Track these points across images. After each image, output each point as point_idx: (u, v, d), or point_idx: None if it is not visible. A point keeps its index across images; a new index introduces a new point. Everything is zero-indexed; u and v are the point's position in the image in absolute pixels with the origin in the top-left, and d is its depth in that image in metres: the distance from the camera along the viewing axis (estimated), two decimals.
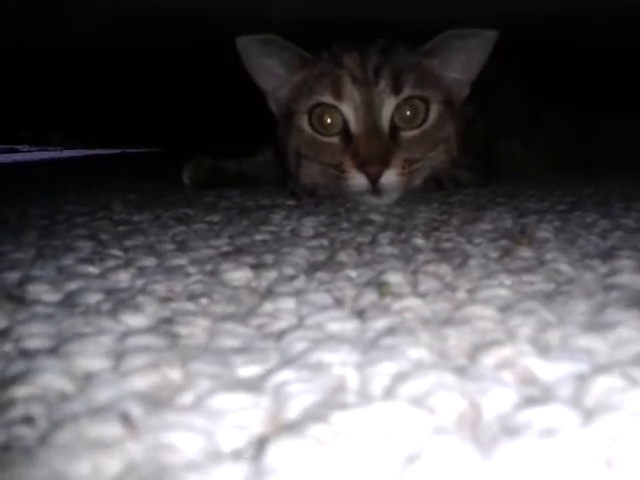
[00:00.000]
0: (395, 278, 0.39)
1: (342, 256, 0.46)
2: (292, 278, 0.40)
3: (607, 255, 0.45)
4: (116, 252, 0.48)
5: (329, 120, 0.76)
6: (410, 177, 0.76)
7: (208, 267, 0.43)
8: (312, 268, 0.43)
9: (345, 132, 0.76)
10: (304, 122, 0.78)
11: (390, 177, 0.73)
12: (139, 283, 0.39)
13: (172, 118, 2.01)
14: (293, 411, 0.22)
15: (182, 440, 0.20)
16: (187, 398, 0.24)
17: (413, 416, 0.21)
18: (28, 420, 0.22)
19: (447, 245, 0.50)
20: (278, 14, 1.00)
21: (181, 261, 0.45)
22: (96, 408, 0.23)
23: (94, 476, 0.19)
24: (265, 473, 0.19)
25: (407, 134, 0.77)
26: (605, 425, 0.21)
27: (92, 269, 0.43)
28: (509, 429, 0.21)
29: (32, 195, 0.91)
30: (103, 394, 0.24)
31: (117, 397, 0.23)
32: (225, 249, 0.50)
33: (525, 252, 0.46)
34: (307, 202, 0.77)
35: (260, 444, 0.20)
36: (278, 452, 0.19)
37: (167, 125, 2.11)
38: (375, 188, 0.73)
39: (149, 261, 0.45)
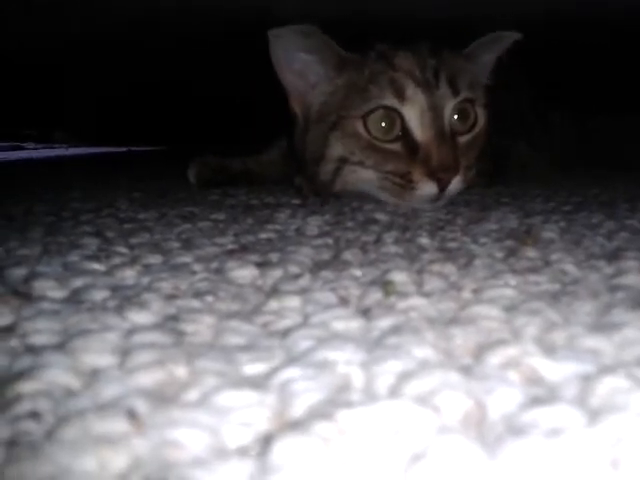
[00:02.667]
0: (400, 277, 0.39)
1: (347, 255, 0.46)
2: (297, 277, 0.41)
3: (613, 256, 0.45)
4: (122, 249, 0.49)
5: (384, 124, 0.72)
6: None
7: (213, 265, 0.43)
8: (317, 267, 0.43)
9: (406, 138, 0.71)
10: (359, 127, 0.72)
11: (456, 183, 0.71)
12: (145, 280, 0.39)
13: (175, 117, 2.01)
14: (298, 409, 0.23)
15: (187, 437, 0.21)
16: (192, 395, 0.24)
17: (418, 415, 0.21)
18: (34, 415, 0.22)
19: (452, 245, 0.50)
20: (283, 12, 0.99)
21: (186, 259, 0.45)
22: (102, 404, 0.23)
23: (100, 471, 0.19)
24: (270, 470, 0.19)
25: (462, 139, 0.74)
26: (610, 425, 0.21)
27: (98, 266, 0.43)
28: (514, 429, 0.21)
29: (38, 192, 0.91)
30: (109, 390, 0.24)
31: (123, 393, 0.23)
32: (230, 247, 0.50)
33: (530, 252, 0.46)
34: (312, 201, 0.77)
35: (266, 441, 0.20)
36: (283, 449, 0.19)
37: (170, 123, 2.11)
38: (439, 195, 0.71)
39: (155, 259, 0.45)
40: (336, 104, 0.76)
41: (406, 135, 0.71)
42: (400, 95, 0.71)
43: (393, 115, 0.72)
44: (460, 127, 0.74)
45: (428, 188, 0.70)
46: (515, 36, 0.78)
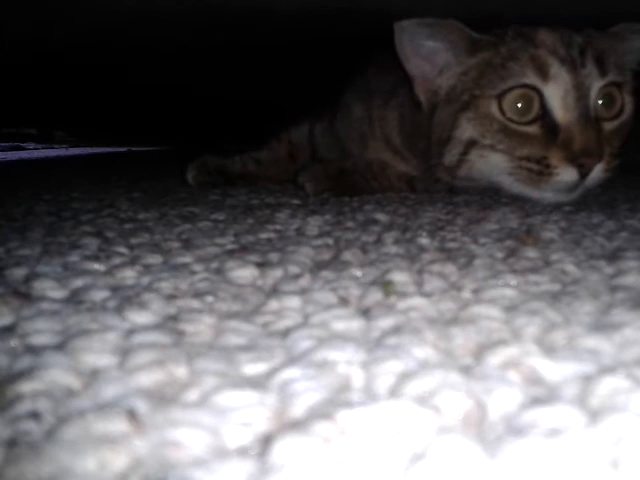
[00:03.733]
0: (400, 277, 0.39)
1: (347, 255, 0.46)
2: (297, 277, 0.41)
3: (613, 256, 0.45)
4: (122, 249, 0.49)
5: (520, 105, 0.67)
6: None
7: (213, 265, 0.43)
8: (317, 267, 0.43)
9: (545, 119, 0.67)
10: (493, 108, 0.68)
11: (598, 172, 0.66)
12: (145, 280, 0.39)
13: (175, 117, 2.02)
14: (298, 409, 0.22)
15: (188, 437, 0.21)
16: (193, 395, 0.24)
17: (418, 415, 0.21)
18: (34, 415, 0.22)
19: (452, 245, 0.50)
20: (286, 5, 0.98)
21: (186, 259, 0.45)
22: (102, 404, 0.23)
23: (100, 472, 0.19)
24: (270, 470, 0.19)
25: (608, 125, 0.69)
26: (610, 425, 0.21)
27: (98, 266, 0.43)
28: (514, 429, 0.21)
29: (38, 192, 0.91)
30: (109, 390, 0.24)
31: (123, 393, 0.23)
32: (230, 247, 0.50)
33: (531, 252, 0.46)
34: (313, 201, 0.77)
35: (266, 441, 0.20)
36: (283, 449, 0.19)
37: (170, 124, 2.11)
38: (579, 183, 0.67)
39: (155, 259, 0.45)
40: (469, 83, 0.72)
41: (545, 116, 0.67)
42: (543, 73, 0.67)
43: (532, 95, 0.67)
44: (605, 113, 0.69)
45: (568, 174, 0.66)
46: None
